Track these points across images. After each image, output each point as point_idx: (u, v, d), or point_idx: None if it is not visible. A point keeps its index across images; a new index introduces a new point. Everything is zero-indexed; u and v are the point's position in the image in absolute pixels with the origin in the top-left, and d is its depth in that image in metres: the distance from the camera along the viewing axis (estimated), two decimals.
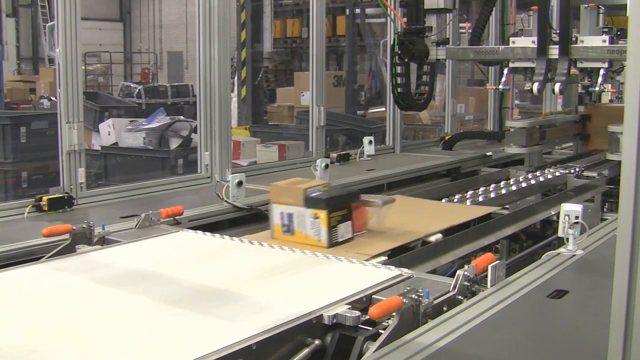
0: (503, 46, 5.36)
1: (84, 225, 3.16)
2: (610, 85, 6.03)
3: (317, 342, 2.15)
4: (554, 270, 2.79)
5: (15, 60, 21.57)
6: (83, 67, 4.57)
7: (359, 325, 2.19)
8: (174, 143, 8.42)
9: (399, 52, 5.47)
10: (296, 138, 8.00)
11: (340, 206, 3.21)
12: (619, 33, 5.11)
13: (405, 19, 5.65)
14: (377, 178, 5.40)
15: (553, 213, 4.51)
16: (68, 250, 3.06)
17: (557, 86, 4.91)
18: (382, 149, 6.71)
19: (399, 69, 5.60)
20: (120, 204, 4.28)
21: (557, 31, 5.03)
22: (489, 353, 2.07)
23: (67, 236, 3.11)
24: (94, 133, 10.48)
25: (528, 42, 5.17)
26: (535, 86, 4.95)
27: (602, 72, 4.97)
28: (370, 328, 2.20)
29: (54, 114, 4.96)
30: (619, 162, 3.25)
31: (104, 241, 3.23)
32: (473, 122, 11.26)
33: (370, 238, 3.29)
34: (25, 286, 2.60)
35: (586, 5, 5.25)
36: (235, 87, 12.96)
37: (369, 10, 14.45)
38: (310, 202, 3.19)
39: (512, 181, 5.08)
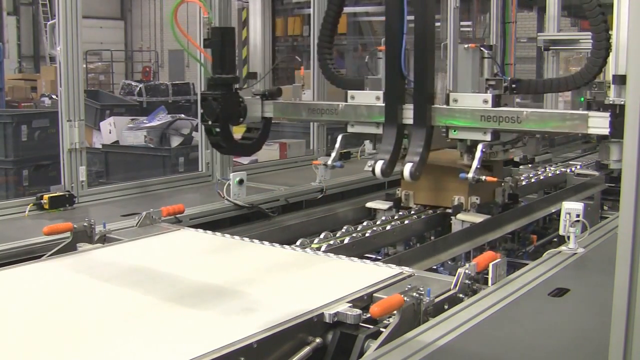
0: (344, 103, 3.80)
1: (85, 224, 3.17)
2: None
3: (318, 340, 2.16)
4: (555, 269, 2.79)
5: (16, 58, 21.59)
6: (84, 66, 4.57)
7: (360, 324, 2.19)
8: (175, 141, 8.41)
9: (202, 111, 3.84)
10: (297, 136, 7.99)
11: None
12: (513, 87, 3.52)
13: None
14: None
15: (554, 211, 4.51)
16: (69, 248, 3.07)
17: (407, 168, 3.38)
18: None
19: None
20: (121, 202, 4.29)
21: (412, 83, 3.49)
22: (490, 351, 2.07)
23: (68, 234, 3.12)
24: (95, 131, 10.48)
25: (373, 97, 3.67)
26: (378, 167, 3.46)
27: (479, 148, 3.40)
28: (371, 326, 2.20)
29: (55, 112, 4.97)
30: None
31: (104, 239, 3.24)
32: None
33: None
34: (26, 284, 2.61)
35: (466, 46, 3.53)
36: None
37: (370, 9, 14.48)
38: None
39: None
